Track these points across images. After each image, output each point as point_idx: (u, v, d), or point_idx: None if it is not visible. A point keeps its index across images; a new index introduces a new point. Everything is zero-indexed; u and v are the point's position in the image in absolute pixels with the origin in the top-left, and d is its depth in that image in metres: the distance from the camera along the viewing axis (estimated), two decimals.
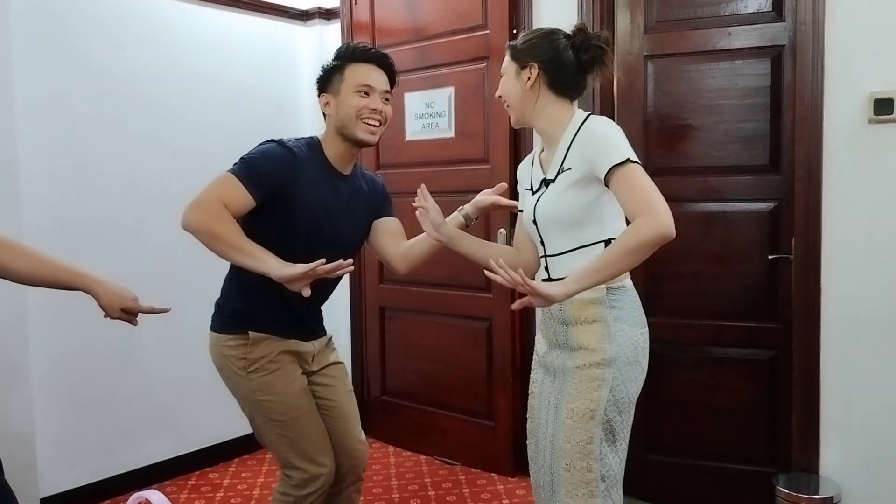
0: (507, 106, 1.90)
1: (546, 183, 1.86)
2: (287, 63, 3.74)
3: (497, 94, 1.92)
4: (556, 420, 1.82)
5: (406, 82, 3.45)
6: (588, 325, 1.78)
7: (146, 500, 1.89)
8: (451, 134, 3.32)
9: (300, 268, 1.79)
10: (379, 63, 2.07)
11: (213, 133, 3.41)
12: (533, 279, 1.75)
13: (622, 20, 2.85)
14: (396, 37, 3.49)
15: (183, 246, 3.27)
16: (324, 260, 1.80)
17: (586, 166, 1.73)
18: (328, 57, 2.12)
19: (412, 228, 2.11)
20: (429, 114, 3.39)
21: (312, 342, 2.13)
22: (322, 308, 2.24)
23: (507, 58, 1.88)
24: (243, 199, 1.93)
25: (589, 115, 1.82)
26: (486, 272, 1.67)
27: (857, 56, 2.41)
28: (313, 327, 2.15)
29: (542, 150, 1.94)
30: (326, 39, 3.75)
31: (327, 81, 2.07)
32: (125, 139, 3.11)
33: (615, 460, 1.83)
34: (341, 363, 2.26)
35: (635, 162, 1.67)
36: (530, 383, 1.99)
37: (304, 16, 3.81)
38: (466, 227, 2.12)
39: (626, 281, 1.83)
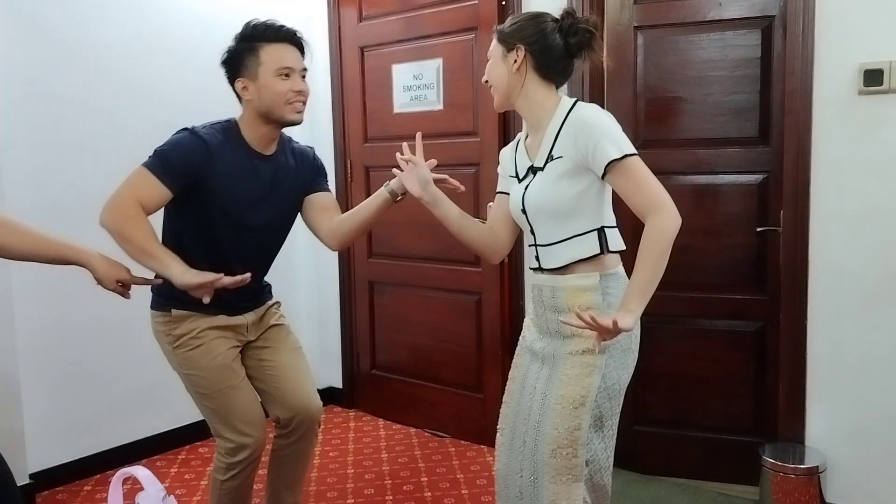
0: (492, 88, 1.87)
1: (533, 170, 1.84)
2: None
3: (483, 78, 1.89)
4: (543, 406, 1.81)
5: (393, 53, 3.42)
6: (582, 312, 1.76)
7: (132, 475, 1.89)
8: (440, 106, 3.29)
9: (200, 277, 1.82)
10: (292, 41, 2.06)
11: (197, 104, 3.32)
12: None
13: None
14: (383, 7, 3.44)
15: None
16: (222, 275, 1.83)
17: (579, 156, 1.72)
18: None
19: (401, 202, 2.08)
20: (417, 86, 3.35)
21: (244, 315, 2.15)
22: (264, 281, 2.25)
23: (494, 41, 1.85)
24: (159, 192, 1.93)
25: (576, 101, 1.81)
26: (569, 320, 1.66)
27: (848, 27, 2.40)
28: (244, 304, 2.14)
29: (527, 137, 1.91)
30: (313, 10, 3.69)
31: (241, 65, 2.03)
32: (104, 113, 3.05)
33: (601, 446, 1.84)
34: (281, 325, 2.26)
35: (633, 154, 1.68)
36: (513, 367, 1.98)
37: None
38: (393, 202, 2.08)
39: (619, 268, 1.83)
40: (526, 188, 1.84)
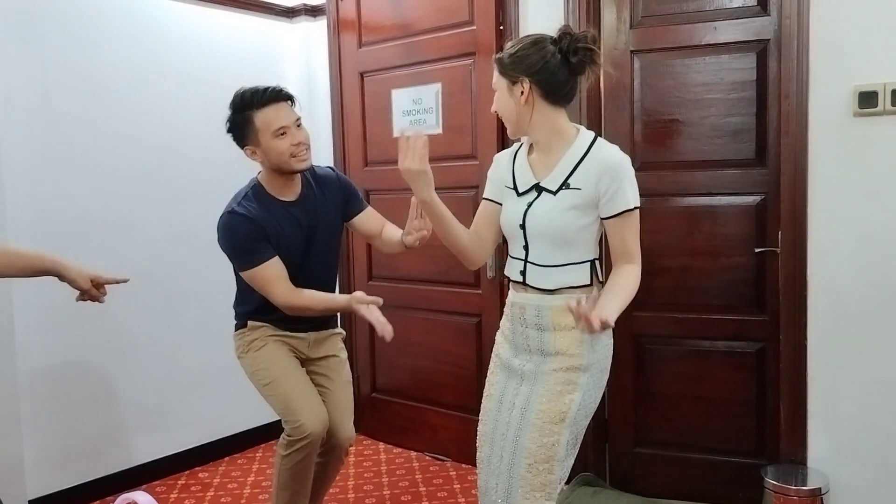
0: (503, 118, 1.89)
1: (540, 190, 1.85)
2: (272, 61, 3.71)
3: (493, 109, 1.91)
4: (522, 421, 1.83)
5: (393, 79, 3.45)
6: (567, 331, 1.81)
7: (133, 501, 1.89)
8: (439, 130, 3.32)
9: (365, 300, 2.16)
10: (277, 99, 2.23)
11: (197, 130, 3.39)
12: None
13: (608, 15, 2.86)
14: (383, 33, 3.48)
15: (169, 243, 3.31)
16: (380, 300, 2.18)
17: (597, 194, 1.79)
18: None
19: (401, 224, 2.11)
20: (416, 110, 3.38)
21: (308, 333, 2.42)
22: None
23: (496, 73, 1.86)
24: (276, 265, 2.22)
25: (596, 136, 1.85)
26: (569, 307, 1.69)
27: (842, 50, 2.43)
28: (309, 325, 2.41)
29: (531, 152, 1.92)
30: (312, 37, 3.73)
31: (243, 135, 2.24)
32: (109, 136, 3.08)
33: (570, 464, 1.86)
34: (337, 356, 2.52)
35: (638, 207, 1.81)
36: (487, 386, 1.99)
37: (289, 13, 3.79)
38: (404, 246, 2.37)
39: (598, 288, 1.87)
40: (529, 206, 1.85)
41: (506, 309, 1.98)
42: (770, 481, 2.52)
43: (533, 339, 1.85)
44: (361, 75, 3.58)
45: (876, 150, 2.40)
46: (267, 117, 2.21)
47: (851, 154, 2.44)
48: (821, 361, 2.56)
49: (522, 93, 1.80)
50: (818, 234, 2.52)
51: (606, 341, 1.87)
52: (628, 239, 1.81)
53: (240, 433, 3.60)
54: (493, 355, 2.01)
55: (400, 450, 3.59)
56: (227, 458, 3.52)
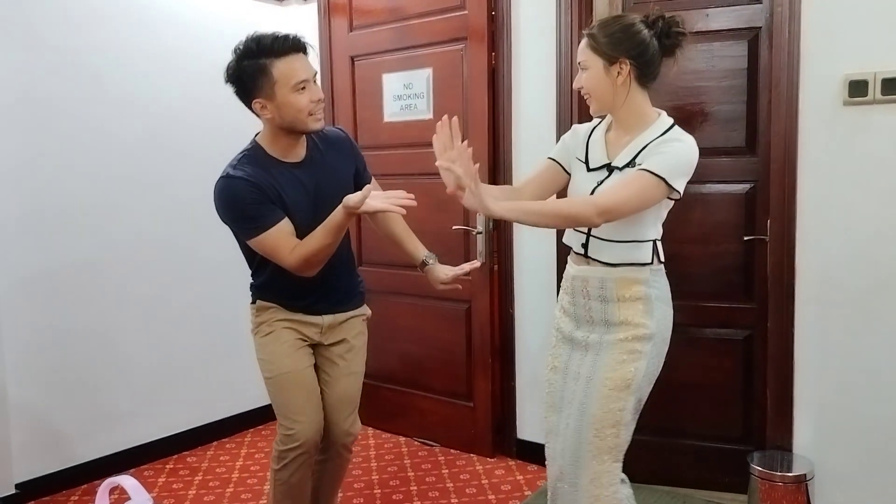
0: (589, 97, 1.90)
1: (609, 169, 1.89)
2: None
3: (578, 86, 1.91)
4: (587, 389, 1.89)
5: (384, 63, 3.43)
6: (631, 302, 1.87)
7: (119, 485, 1.88)
8: (430, 115, 3.30)
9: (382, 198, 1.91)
10: (299, 49, 2.00)
11: (186, 114, 3.36)
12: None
13: (600, 4, 2.85)
14: (373, 17, 3.45)
15: (156, 229, 3.29)
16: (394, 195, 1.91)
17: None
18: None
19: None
20: (407, 95, 3.37)
21: (322, 316, 2.21)
22: (358, 285, 2.33)
23: (589, 51, 1.85)
24: (285, 228, 2.01)
25: (674, 123, 1.88)
26: (440, 163, 1.76)
27: (832, 38, 2.43)
28: (324, 305, 2.21)
29: (609, 129, 1.96)
30: (303, 20, 3.70)
31: (254, 86, 1.99)
32: (94, 120, 3.05)
33: (633, 426, 1.92)
34: (349, 343, 2.29)
35: (667, 185, 1.77)
36: (551, 359, 2.04)
37: None
38: (420, 267, 2.28)
39: (662, 265, 1.93)
40: (599, 183, 1.89)
41: (565, 283, 2.04)
42: (756, 467, 2.54)
43: (596, 311, 1.91)
44: (352, 59, 3.56)
45: (866, 138, 2.41)
46: (288, 68, 1.96)
47: (841, 143, 2.45)
48: (807, 349, 2.58)
49: (619, 73, 1.82)
50: (806, 223, 2.54)
51: (667, 311, 1.93)
52: (622, 186, 1.78)
53: (229, 417, 3.60)
54: (553, 330, 2.06)
55: (389, 435, 3.59)
56: (215, 443, 3.52)
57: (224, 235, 2.16)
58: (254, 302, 2.23)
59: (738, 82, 2.67)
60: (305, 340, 2.21)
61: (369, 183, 2.23)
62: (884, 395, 2.45)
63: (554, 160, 2.05)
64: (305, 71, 1.99)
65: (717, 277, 2.78)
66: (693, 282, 2.81)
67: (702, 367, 2.83)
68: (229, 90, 2.07)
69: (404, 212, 1.90)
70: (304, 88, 1.98)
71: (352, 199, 1.87)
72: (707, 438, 2.84)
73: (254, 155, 2.07)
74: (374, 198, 1.88)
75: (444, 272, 2.25)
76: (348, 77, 3.58)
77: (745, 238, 2.70)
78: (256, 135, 2.15)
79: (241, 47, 2.00)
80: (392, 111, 3.43)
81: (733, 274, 2.76)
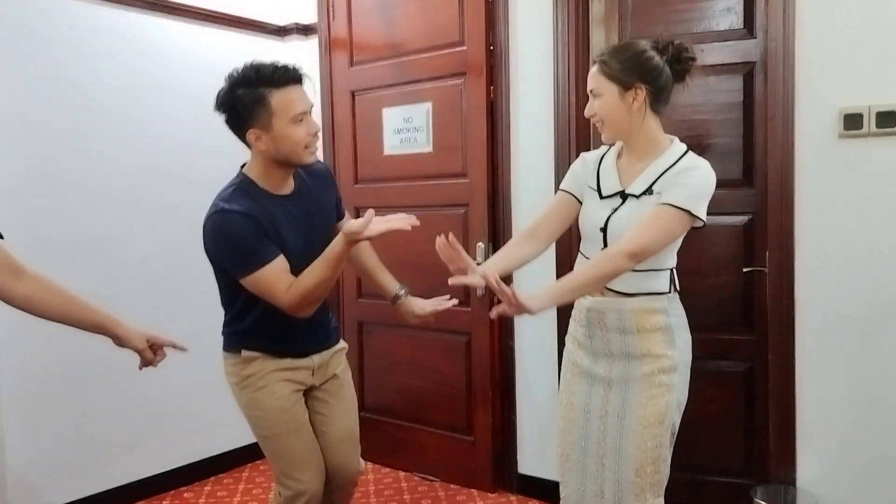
0: (603, 124, 1.89)
1: (624, 197, 1.88)
2: None
3: (590, 114, 1.91)
4: (622, 428, 1.86)
5: (384, 97, 3.47)
6: (652, 332, 1.86)
7: None
8: (429, 148, 3.33)
9: (364, 220, 1.80)
10: (298, 80, 1.96)
11: (187, 147, 3.39)
12: (490, 302, 1.73)
13: (597, 37, 2.89)
14: (374, 52, 3.50)
15: (158, 261, 3.29)
16: (371, 213, 1.81)
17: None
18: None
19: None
20: (407, 129, 3.40)
21: (311, 357, 2.13)
22: (330, 319, 2.26)
23: (602, 78, 1.85)
24: (280, 265, 1.92)
25: (688, 149, 1.89)
26: (454, 280, 1.72)
27: (826, 73, 2.46)
28: (313, 344, 2.15)
29: (620, 156, 1.95)
30: (304, 55, 3.75)
31: (249, 115, 1.92)
32: (98, 154, 3.08)
33: (670, 458, 1.91)
34: (339, 378, 2.24)
35: (691, 215, 1.78)
36: (567, 395, 2.00)
37: (281, 31, 3.81)
38: (393, 300, 2.28)
39: (678, 292, 1.94)
40: (613, 211, 1.88)
41: (576, 314, 2.01)
42: (759, 501, 2.51)
43: (615, 343, 1.88)
44: (353, 94, 3.60)
45: (861, 171, 2.43)
46: (287, 99, 1.90)
47: (837, 175, 2.47)
48: (809, 381, 2.56)
49: (635, 99, 1.83)
50: (805, 254, 2.54)
51: (686, 338, 1.93)
52: (648, 225, 1.76)
53: (226, 453, 3.56)
54: (566, 363, 2.03)
55: (388, 469, 3.56)
56: (212, 478, 3.48)
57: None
58: (237, 352, 2.08)
59: (734, 115, 2.69)
60: (300, 390, 2.13)
61: (343, 218, 2.24)
62: (887, 427, 2.43)
63: (567, 192, 2.03)
64: (303, 103, 1.95)
65: (717, 309, 2.78)
66: (693, 314, 2.78)
67: (703, 400, 2.79)
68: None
69: (409, 227, 1.82)
70: (301, 121, 1.94)
71: (353, 225, 1.79)
72: (709, 472, 2.80)
73: (245, 188, 1.99)
74: (374, 222, 1.80)
75: (419, 306, 2.26)
76: (349, 111, 3.61)
77: (745, 269, 2.70)
78: (242, 166, 2.08)
79: (237, 75, 1.95)
80: (392, 144, 3.46)
81: (733, 305, 2.76)
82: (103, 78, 3.09)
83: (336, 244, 1.85)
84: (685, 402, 1.93)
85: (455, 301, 2.27)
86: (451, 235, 1.82)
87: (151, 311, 3.26)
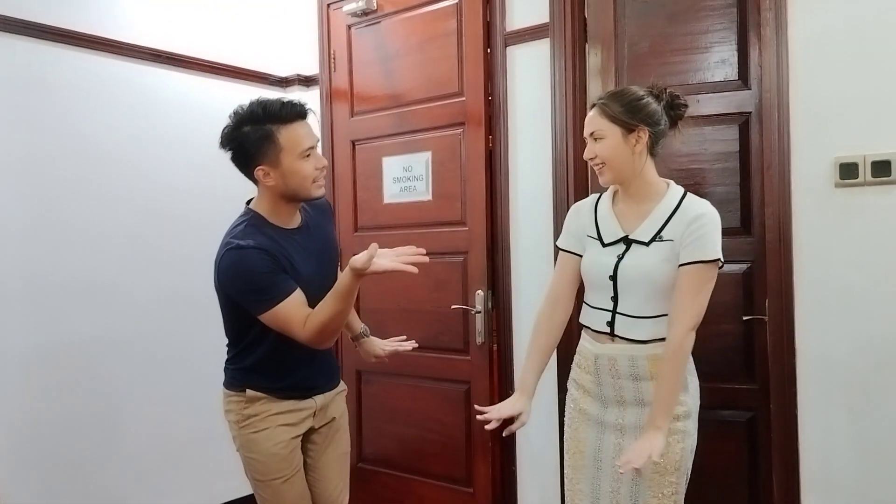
0: (604, 167, 1.91)
1: (629, 243, 1.89)
2: None
3: (590, 156, 1.93)
4: (636, 478, 1.85)
5: (384, 147, 3.51)
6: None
7: None
8: (429, 197, 3.36)
9: (366, 255, 1.80)
10: (303, 115, 1.99)
11: (190, 196, 3.41)
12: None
13: (594, 88, 2.93)
14: (374, 103, 3.55)
15: (159, 307, 3.29)
16: (375, 244, 1.81)
17: (682, 243, 1.84)
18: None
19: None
20: (406, 177, 3.43)
21: (314, 398, 2.15)
22: (332, 358, 2.29)
23: (605, 121, 1.88)
24: (298, 297, 1.92)
25: (686, 191, 1.93)
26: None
27: (821, 122, 2.49)
28: (318, 381, 2.17)
29: (614, 202, 1.98)
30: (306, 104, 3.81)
31: (258, 153, 1.94)
32: (99, 201, 3.10)
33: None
34: (336, 421, 2.26)
35: (718, 262, 1.84)
36: (575, 443, 2.00)
37: (283, 82, 3.87)
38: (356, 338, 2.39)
39: None
40: (620, 258, 1.88)
41: (581, 361, 2.01)
42: None
43: (628, 390, 1.88)
44: (353, 143, 3.64)
45: (858, 219, 2.44)
46: (295, 135, 1.93)
47: (834, 224, 2.48)
48: (812, 431, 2.53)
49: (637, 142, 1.86)
50: (805, 302, 2.54)
51: (696, 383, 1.95)
52: (695, 294, 1.81)
53: (224, 503, 3.50)
54: (571, 411, 2.02)
55: None
56: None
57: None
58: (240, 389, 2.08)
59: (730, 165, 2.72)
60: (299, 436, 2.13)
61: (336, 252, 2.30)
62: (891, 476, 2.39)
63: (569, 251, 2.06)
64: (311, 138, 1.99)
65: (718, 358, 2.75)
66: (695, 362, 2.78)
67: (705, 451, 2.74)
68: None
69: (416, 270, 1.81)
70: (309, 156, 1.97)
71: (358, 260, 1.79)
72: None
73: (256, 224, 2.00)
74: (380, 256, 1.80)
75: (380, 346, 2.35)
76: (349, 160, 3.65)
77: (745, 318, 2.69)
78: (248, 202, 2.10)
79: (243, 112, 1.97)
80: (392, 193, 3.49)
81: (734, 354, 2.74)
82: (109, 126, 3.14)
83: (345, 277, 1.85)
84: (695, 444, 1.94)
85: (414, 344, 2.33)
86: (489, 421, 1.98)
87: (150, 358, 3.24)
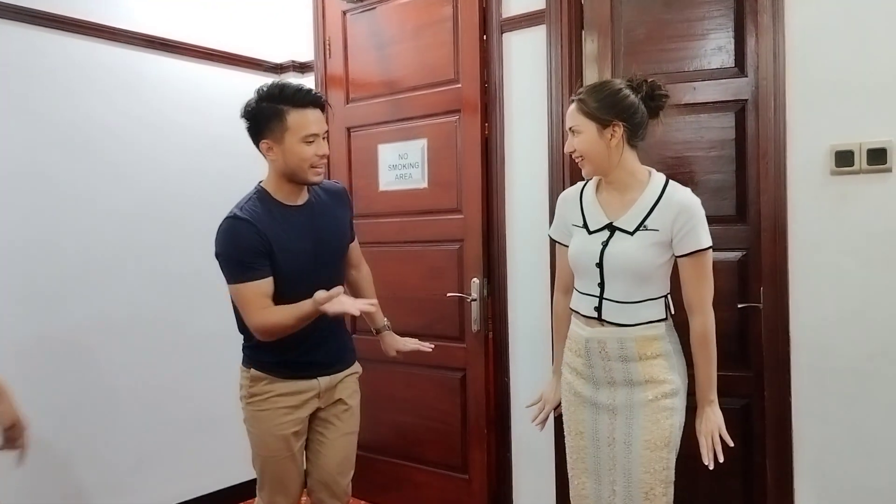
0: (583, 160, 1.98)
1: (611, 229, 1.95)
2: None
3: (570, 150, 2.00)
4: (629, 453, 1.94)
5: (379, 134, 3.50)
6: (653, 359, 1.96)
7: None
8: (425, 184, 3.35)
9: (325, 295, 1.98)
10: (316, 104, 2.14)
11: (185, 184, 3.40)
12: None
13: (590, 74, 2.92)
14: (370, 90, 3.53)
15: (151, 301, 3.28)
16: (341, 288, 2.03)
17: (671, 234, 1.92)
18: None
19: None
20: (402, 165, 3.42)
21: (318, 379, 2.25)
22: (343, 339, 2.40)
23: (581, 116, 1.95)
24: (263, 286, 2.06)
25: (668, 179, 1.99)
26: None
27: (817, 110, 2.49)
28: (322, 359, 2.26)
29: (598, 190, 2.04)
30: None
31: (266, 127, 2.11)
32: (95, 187, 3.09)
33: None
34: (345, 403, 2.35)
35: (711, 246, 1.94)
36: (574, 424, 2.07)
37: (278, 69, 3.85)
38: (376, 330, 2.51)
39: (672, 317, 2.03)
40: (604, 245, 1.95)
41: (573, 345, 2.09)
42: None
43: (618, 371, 1.97)
44: (348, 130, 3.63)
45: (853, 207, 2.45)
46: (303, 119, 2.09)
47: (830, 211, 2.48)
48: (806, 419, 2.55)
49: (613, 136, 1.92)
50: (799, 290, 2.54)
51: (683, 362, 2.03)
52: (700, 280, 1.92)
53: (221, 490, 3.51)
54: (566, 394, 2.10)
55: None
56: None
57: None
58: (248, 367, 2.24)
59: (726, 152, 2.72)
60: (302, 418, 2.24)
61: (353, 241, 2.42)
62: (885, 464, 2.41)
63: (560, 243, 2.17)
64: (317, 125, 2.12)
65: None
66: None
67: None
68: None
69: (358, 313, 2.03)
70: (312, 142, 2.10)
71: (319, 296, 1.97)
72: None
73: (261, 198, 2.16)
74: (340, 303, 1.97)
75: (402, 342, 2.44)
76: (344, 147, 3.64)
77: (739, 305, 2.70)
78: (260, 182, 2.24)
79: (265, 89, 2.12)
80: (387, 180, 3.48)
81: (729, 342, 2.74)
82: (97, 117, 3.12)
83: (306, 304, 2.02)
84: (684, 423, 2.02)
85: (432, 347, 2.45)
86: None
87: (147, 348, 3.24)
